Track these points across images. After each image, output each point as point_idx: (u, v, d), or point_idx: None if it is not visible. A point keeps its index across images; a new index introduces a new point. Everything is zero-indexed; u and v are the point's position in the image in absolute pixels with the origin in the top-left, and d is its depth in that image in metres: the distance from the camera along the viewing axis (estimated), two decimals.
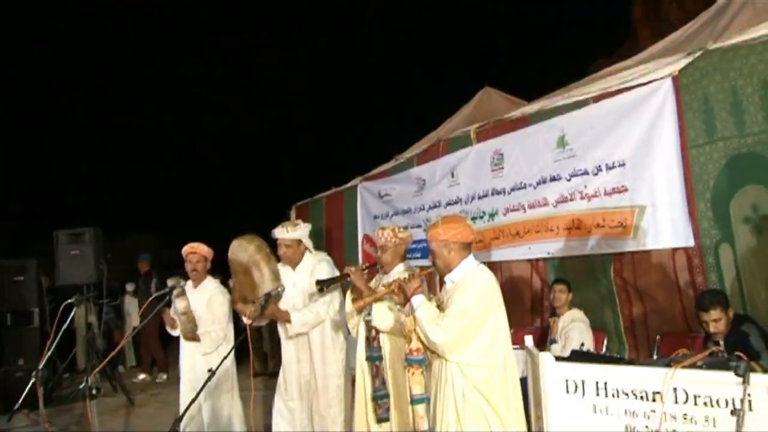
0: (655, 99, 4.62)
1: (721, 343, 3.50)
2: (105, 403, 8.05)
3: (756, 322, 3.69)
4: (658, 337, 4.59)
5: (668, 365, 2.94)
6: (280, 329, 4.78)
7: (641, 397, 2.98)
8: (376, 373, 3.92)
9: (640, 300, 4.84)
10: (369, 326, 3.95)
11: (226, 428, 5.10)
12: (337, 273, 4.60)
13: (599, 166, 5.06)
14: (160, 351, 10.35)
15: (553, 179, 5.50)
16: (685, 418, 2.84)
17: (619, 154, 4.89)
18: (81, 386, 3.97)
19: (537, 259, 5.77)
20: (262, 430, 5.91)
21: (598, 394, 3.13)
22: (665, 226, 4.56)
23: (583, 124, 5.22)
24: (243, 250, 4.55)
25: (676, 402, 2.87)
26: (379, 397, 3.90)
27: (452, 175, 6.90)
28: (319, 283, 4.06)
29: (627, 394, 3.03)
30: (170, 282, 5.28)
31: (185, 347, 5.19)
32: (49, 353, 4.80)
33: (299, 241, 4.63)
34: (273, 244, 4.74)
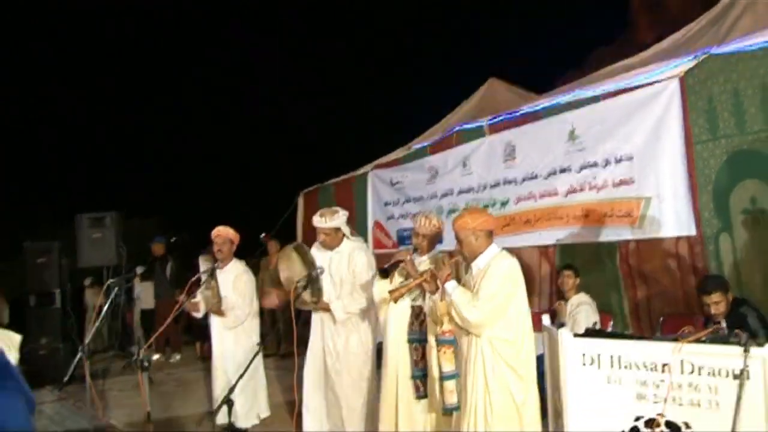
0: (662, 98, 4.97)
1: (723, 323, 3.86)
2: (124, 381, 8.38)
3: (753, 305, 4.06)
4: (661, 318, 4.96)
5: (675, 340, 3.31)
6: (315, 318, 5.06)
7: (651, 369, 3.34)
8: (422, 355, 4.28)
9: (645, 284, 5.21)
10: (415, 311, 4.31)
11: (253, 401, 5.49)
12: (372, 258, 4.91)
13: (608, 159, 5.41)
14: (176, 332, 10.66)
15: (563, 171, 5.85)
16: (690, 387, 3.21)
17: (627, 148, 5.25)
18: (133, 359, 4.31)
19: (546, 246, 6.12)
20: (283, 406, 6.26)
21: (612, 366, 3.49)
22: (669, 216, 4.93)
23: (593, 120, 5.56)
24: (291, 266, 4.85)
25: (683, 372, 3.23)
26: (420, 377, 4.27)
27: (464, 165, 7.24)
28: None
29: (638, 366, 3.39)
30: (203, 264, 5.66)
31: (214, 323, 5.55)
32: (95, 328, 5.17)
33: (338, 229, 4.91)
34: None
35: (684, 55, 5.02)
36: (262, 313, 6.20)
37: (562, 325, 5.43)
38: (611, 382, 3.49)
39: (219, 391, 5.30)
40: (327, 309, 4.79)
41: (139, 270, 12.03)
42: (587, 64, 20.62)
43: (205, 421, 5.97)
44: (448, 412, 3.66)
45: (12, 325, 7.94)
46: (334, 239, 4.92)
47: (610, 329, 5.39)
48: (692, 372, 3.22)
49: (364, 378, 4.85)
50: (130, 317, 11.58)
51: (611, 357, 3.51)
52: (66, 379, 5.05)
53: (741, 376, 2.79)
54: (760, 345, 3.02)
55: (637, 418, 3.37)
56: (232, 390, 3.76)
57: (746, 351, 2.82)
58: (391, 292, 3.92)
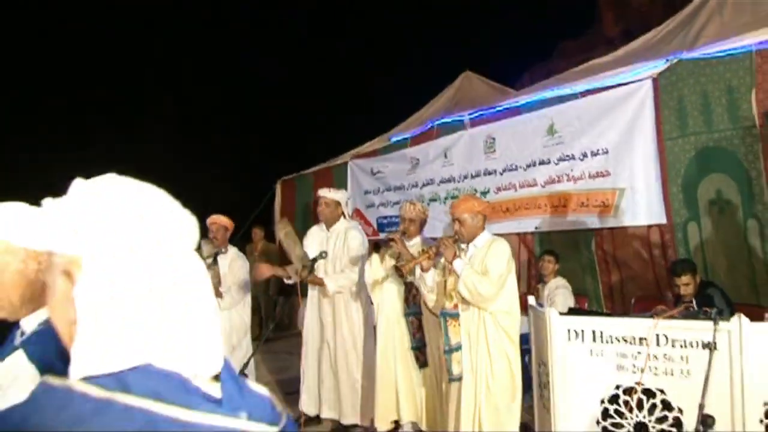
0: (636, 97, 5.37)
1: (693, 302, 4.29)
2: None
3: (718, 287, 4.50)
4: (633, 300, 5.39)
5: (652, 317, 3.72)
6: (311, 296, 5.39)
7: (630, 342, 3.74)
8: (418, 327, 4.65)
9: (618, 269, 5.64)
10: (409, 286, 4.68)
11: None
12: (365, 239, 5.27)
13: (585, 153, 5.81)
14: None
15: (542, 163, 6.24)
16: (665, 357, 3.61)
17: (603, 142, 5.65)
18: None
19: (525, 233, 6.52)
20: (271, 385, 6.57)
21: (594, 341, 3.88)
22: (642, 206, 5.35)
23: (572, 115, 5.95)
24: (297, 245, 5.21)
25: (658, 345, 3.63)
26: (420, 347, 4.66)
27: (445, 156, 7.59)
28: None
29: (618, 340, 3.79)
30: (205, 247, 5.93)
31: None
32: None
33: (338, 203, 5.24)
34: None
35: (656, 58, 5.42)
36: None
37: (540, 305, 5.85)
38: (594, 355, 3.88)
39: None
40: (321, 283, 5.10)
41: None
42: (554, 57, 21.17)
43: None
44: (454, 380, 4.01)
45: None
46: (333, 212, 5.26)
47: None
48: (666, 344, 3.62)
49: (359, 351, 5.19)
50: None
51: (593, 332, 3.89)
52: None
53: (711, 347, 3.18)
54: (726, 320, 3.43)
55: (618, 387, 3.76)
56: (246, 365, 4.06)
57: (716, 324, 3.22)
58: (400, 266, 4.24)
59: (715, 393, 3.26)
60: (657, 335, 3.64)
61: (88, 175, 0.96)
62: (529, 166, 6.39)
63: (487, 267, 3.89)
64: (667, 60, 5.16)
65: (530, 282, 6.47)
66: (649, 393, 3.66)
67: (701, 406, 2.95)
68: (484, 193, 6.91)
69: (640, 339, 3.70)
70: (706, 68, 4.91)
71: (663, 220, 5.20)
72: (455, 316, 4.01)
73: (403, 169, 8.37)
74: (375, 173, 8.98)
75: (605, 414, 3.80)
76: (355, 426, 5.12)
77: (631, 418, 3.70)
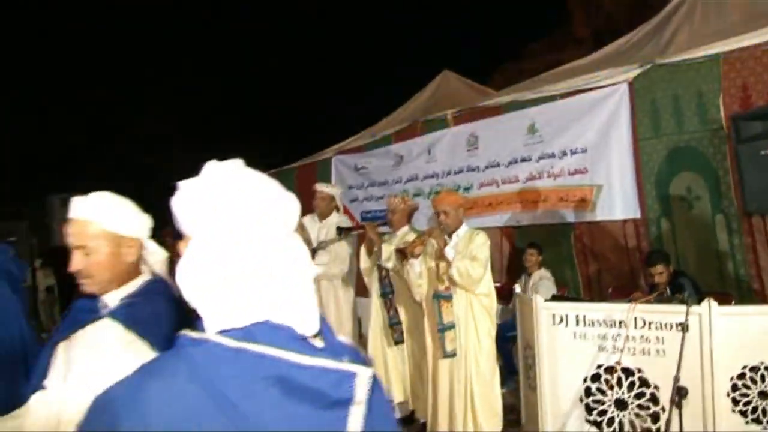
0: (613, 99, 5.74)
1: (668, 289, 4.67)
2: None
3: (689, 276, 4.89)
4: (609, 290, 5.77)
5: (630, 302, 4.08)
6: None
7: (610, 325, 4.09)
8: (390, 305, 5.03)
9: (596, 260, 6.02)
10: (380, 267, 5.05)
11: None
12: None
13: (564, 151, 6.16)
14: None
15: (523, 160, 6.59)
16: (641, 339, 3.98)
17: (581, 141, 6.01)
18: None
19: (506, 227, 6.87)
20: None
21: (577, 324, 4.23)
22: (618, 202, 5.72)
23: (552, 115, 6.30)
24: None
25: (636, 327, 3.99)
26: (394, 324, 5.02)
27: (429, 153, 7.89)
28: (339, 229, 5.12)
29: (600, 323, 4.14)
30: None
31: None
32: None
33: (332, 197, 5.67)
34: None
35: (631, 63, 5.80)
36: None
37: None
38: (577, 338, 4.24)
39: None
40: None
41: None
42: (524, 56, 21.60)
43: None
44: (448, 356, 4.36)
45: None
46: (328, 206, 5.76)
47: None
48: (643, 327, 3.98)
49: (347, 334, 5.55)
50: None
51: (576, 317, 4.25)
52: None
53: (684, 328, 3.54)
54: (697, 304, 3.80)
55: (599, 366, 4.12)
56: None
57: (688, 307, 3.58)
58: (401, 250, 4.59)
59: (687, 369, 3.60)
60: (635, 318, 4.00)
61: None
62: (510, 163, 6.73)
63: (474, 253, 4.36)
64: (642, 65, 5.52)
65: (511, 273, 6.82)
66: (627, 372, 4.02)
67: (676, 379, 3.31)
68: (467, 189, 7.24)
69: (619, 322, 4.05)
70: (678, 74, 5.29)
71: (638, 215, 5.58)
72: (448, 298, 4.37)
73: (387, 165, 8.65)
74: (359, 169, 9.25)
75: (588, 392, 4.16)
76: None
77: (612, 395, 4.06)
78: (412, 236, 4.94)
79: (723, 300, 4.27)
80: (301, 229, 5.89)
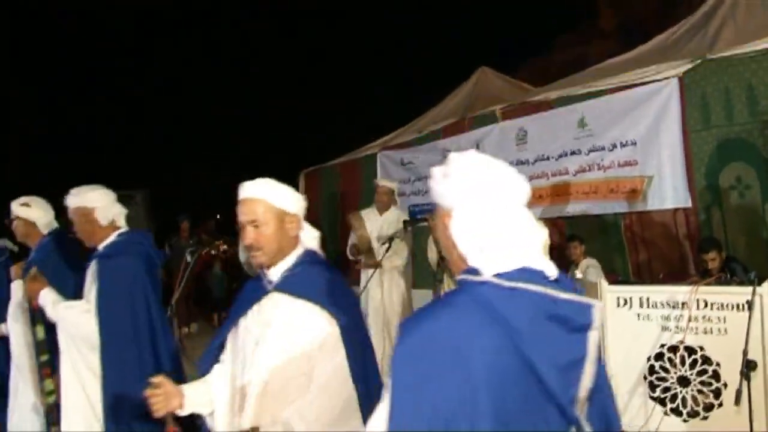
0: (663, 93, 5.98)
1: (727, 272, 4.93)
2: None
3: (740, 261, 5.14)
4: (660, 275, 6.02)
5: (692, 284, 4.36)
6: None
7: (673, 306, 4.38)
8: None
9: (645, 249, 6.28)
10: None
11: None
12: None
13: (614, 144, 6.42)
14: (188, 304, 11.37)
15: (573, 153, 6.85)
16: (704, 318, 4.26)
17: (631, 134, 6.26)
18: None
19: (557, 218, 7.13)
20: None
21: (641, 306, 4.52)
22: (668, 192, 5.98)
23: (601, 110, 6.55)
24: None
25: (698, 308, 4.28)
26: None
27: (477, 147, 8.16)
28: (405, 222, 5.47)
29: (663, 305, 4.43)
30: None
31: None
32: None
33: (393, 191, 6.03)
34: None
35: (678, 58, 6.04)
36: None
37: None
38: (641, 319, 4.53)
39: None
40: (378, 264, 5.87)
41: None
42: (550, 50, 21.75)
43: None
44: None
45: None
46: (389, 199, 6.29)
47: None
48: (705, 307, 4.26)
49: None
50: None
51: (640, 299, 4.54)
52: None
53: (751, 305, 3.81)
54: (759, 285, 4.07)
55: (662, 345, 4.41)
56: None
57: (755, 287, 3.85)
58: None
59: (750, 346, 3.88)
60: (697, 300, 4.28)
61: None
62: (560, 156, 6.99)
63: None
64: (692, 60, 5.77)
65: (561, 264, 7.09)
66: (690, 350, 4.30)
67: (745, 353, 3.58)
68: None
69: (682, 303, 4.34)
70: (728, 68, 5.53)
71: (689, 204, 5.83)
72: None
73: (434, 160, 8.88)
74: (405, 163, 9.55)
75: (651, 370, 4.45)
76: None
77: (675, 373, 4.35)
78: None
79: None
80: (359, 221, 6.29)
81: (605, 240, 6.63)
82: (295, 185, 12.16)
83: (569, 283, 1.47)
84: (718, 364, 4.20)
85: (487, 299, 1.34)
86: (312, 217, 2.34)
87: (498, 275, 1.38)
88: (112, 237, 3.53)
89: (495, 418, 1.24)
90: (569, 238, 6.61)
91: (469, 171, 1.48)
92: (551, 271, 1.43)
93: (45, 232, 4.09)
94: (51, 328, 3.49)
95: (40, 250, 3.97)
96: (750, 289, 3.86)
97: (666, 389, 4.40)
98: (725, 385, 4.14)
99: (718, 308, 4.22)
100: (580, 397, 1.36)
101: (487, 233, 1.43)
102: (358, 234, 6.13)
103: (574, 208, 6.86)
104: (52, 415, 3.53)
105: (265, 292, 2.27)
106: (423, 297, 7.79)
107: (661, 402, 4.42)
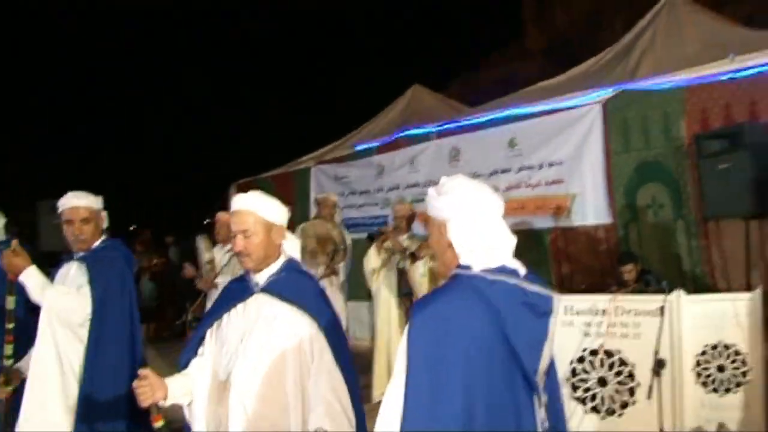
0: (588, 118, 6.45)
1: (643, 282, 5.35)
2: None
3: (654, 274, 5.58)
4: (583, 286, 6.43)
5: (611, 293, 4.75)
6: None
7: (594, 314, 4.74)
8: (410, 304, 5.58)
9: (569, 262, 6.69)
10: (401, 272, 5.61)
11: None
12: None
13: (542, 163, 6.85)
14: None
15: (504, 171, 7.25)
16: (620, 324, 4.63)
17: (558, 155, 6.70)
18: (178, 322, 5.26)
19: None
20: None
21: (565, 314, 4.86)
22: (591, 209, 6.42)
23: (531, 131, 6.98)
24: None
25: (616, 315, 4.65)
26: None
27: (412, 163, 8.49)
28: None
29: (585, 312, 4.79)
30: (201, 243, 6.62)
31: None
32: None
33: (336, 204, 6.61)
34: None
35: (602, 86, 6.53)
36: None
37: None
38: (564, 325, 4.87)
39: None
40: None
41: None
42: (483, 67, 22.42)
43: None
44: None
45: None
46: (333, 213, 6.60)
47: None
48: (623, 314, 4.64)
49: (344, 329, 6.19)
50: None
51: (564, 307, 4.88)
52: None
53: (662, 311, 4.20)
54: (669, 294, 4.47)
55: (584, 349, 4.76)
56: None
57: (666, 294, 4.25)
58: (415, 252, 5.15)
59: (661, 346, 4.26)
60: (615, 307, 4.65)
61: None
62: (491, 174, 7.37)
63: None
64: (613, 89, 6.25)
65: None
66: (608, 353, 4.66)
67: (656, 352, 3.96)
68: None
69: (602, 311, 4.70)
70: (646, 98, 6.03)
71: (609, 221, 6.28)
72: None
73: (368, 175, 9.18)
74: (340, 178, 9.76)
75: (573, 372, 4.78)
76: None
77: (595, 374, 4.70)
78: (413, 240, 5.53)
79: None
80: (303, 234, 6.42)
81: (532, 253, 7.01)
82: (226, 197, 12.24)
83: (536, 278, 1.89)
84: (633, 365, 4.57)
85: (476, 287, 1.79)
86: None
87: (484, 270, 1.83)
88: (101, 241, 3.71)
89: (487, 370, 1.69)
90: None
91: (459, 191, 1.91)
92: (522, 269, 1.90)
93: None
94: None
95: None
96: (662, 297, 4.26)
97: (587, 389, 4.74)
98: (639, 384, 4.51)
99: (634, 315, 4.59)
100: (540, 370, 1.83)
101: (475, 238, 1.86)
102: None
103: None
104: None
105: (251, 293, 2.52)
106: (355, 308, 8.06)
107: (582, 401, 4.76)
